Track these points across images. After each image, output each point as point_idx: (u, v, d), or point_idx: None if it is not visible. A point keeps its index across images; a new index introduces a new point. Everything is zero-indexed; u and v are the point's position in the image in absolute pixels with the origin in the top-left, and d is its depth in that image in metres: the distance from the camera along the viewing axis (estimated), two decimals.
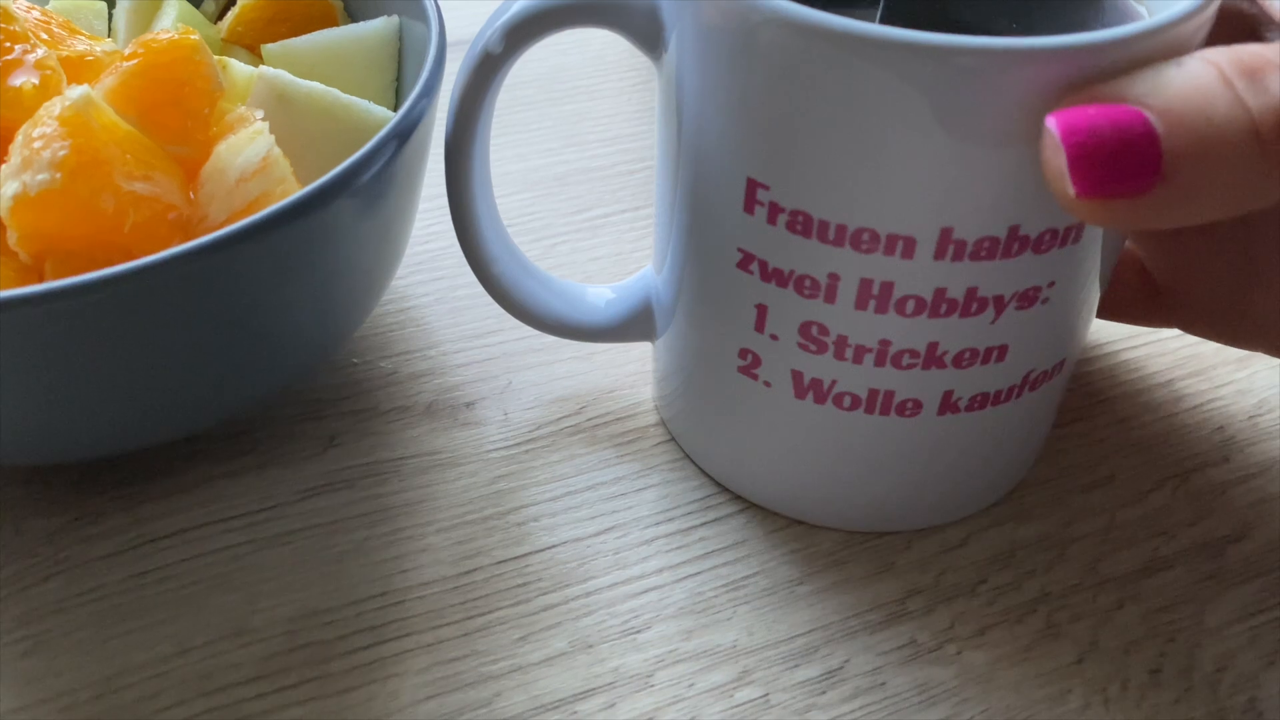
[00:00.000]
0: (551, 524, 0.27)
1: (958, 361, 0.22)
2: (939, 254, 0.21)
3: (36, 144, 0.22)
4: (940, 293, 0.21)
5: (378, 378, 0.31)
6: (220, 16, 0.33)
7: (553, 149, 0.39)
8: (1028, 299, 0.22)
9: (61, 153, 0.22)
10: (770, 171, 0.21)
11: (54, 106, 0.23)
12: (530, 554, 0.26)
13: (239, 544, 0.26)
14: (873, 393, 0.23)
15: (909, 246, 0.21)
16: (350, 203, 0.24)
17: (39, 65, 0.25)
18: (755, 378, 0.24)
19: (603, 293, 0.29)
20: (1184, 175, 0.18)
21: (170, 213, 0.24)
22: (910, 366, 0.23)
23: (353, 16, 0.32)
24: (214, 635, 0.24)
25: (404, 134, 0.25)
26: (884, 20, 0.23)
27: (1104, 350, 0.32)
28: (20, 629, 0.24)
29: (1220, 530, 0.27)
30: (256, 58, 0.31)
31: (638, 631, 0.25)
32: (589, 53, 0.44)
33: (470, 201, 0.26)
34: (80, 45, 0.28)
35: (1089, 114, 0.18)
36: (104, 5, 0.32)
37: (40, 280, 0.24)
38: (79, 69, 0.28)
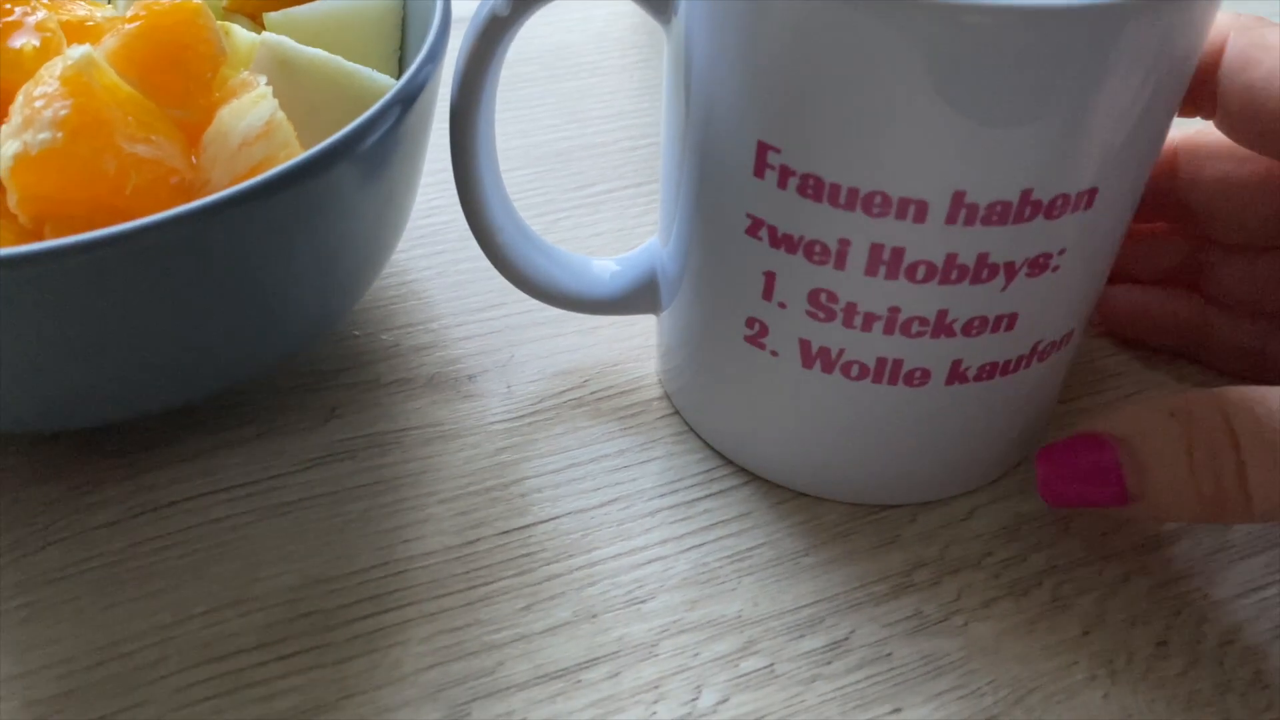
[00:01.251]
0: (555, 495, 0.27)
1: (967, 330, 0.22)
2: (950, 218, 0.20)
3: (38, 103, 0.22)
4: (951, 258, 0.21)
5: (379, 350, 0.30)
6: None
7: (555, 125, 0.39)
8: (1039, 266, 0.22)
9: (63, 112, 0.22)
10: (781, 134, 0.21)
11: (55, 66, 0.23)
12: (534, 525, 0.26)
13: (240, 513, 0.26)
14: (881, 361, 0.23)
15: (920, 210, 0.20)
16: (353, 168, 0.23)
17: (39, 27, 0.25)
18: (762, 347, 0.24)
19: (607, 265, 0.29)
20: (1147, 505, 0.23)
21: (172, 176, 0.24)
22: (919, 335, 0.22)
23: None
24: (214, 604, 0.24)
25: (408, 100, 0.24)
26: None
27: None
28: (19, 596, 0.24)
29: None
30: (259, 26, 0.31)
31: (642, 601, 0.24)
32: (591, 30, 0.44)
33: (475, 168, 0.26)
34: (80, 10, 0.28)
35: (1068, 463, 0.23)
36: None
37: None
38: (79, 33, 0.27)
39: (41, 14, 0.25)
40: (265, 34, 0.27)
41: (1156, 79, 0.20)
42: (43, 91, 0.22)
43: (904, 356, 0.23)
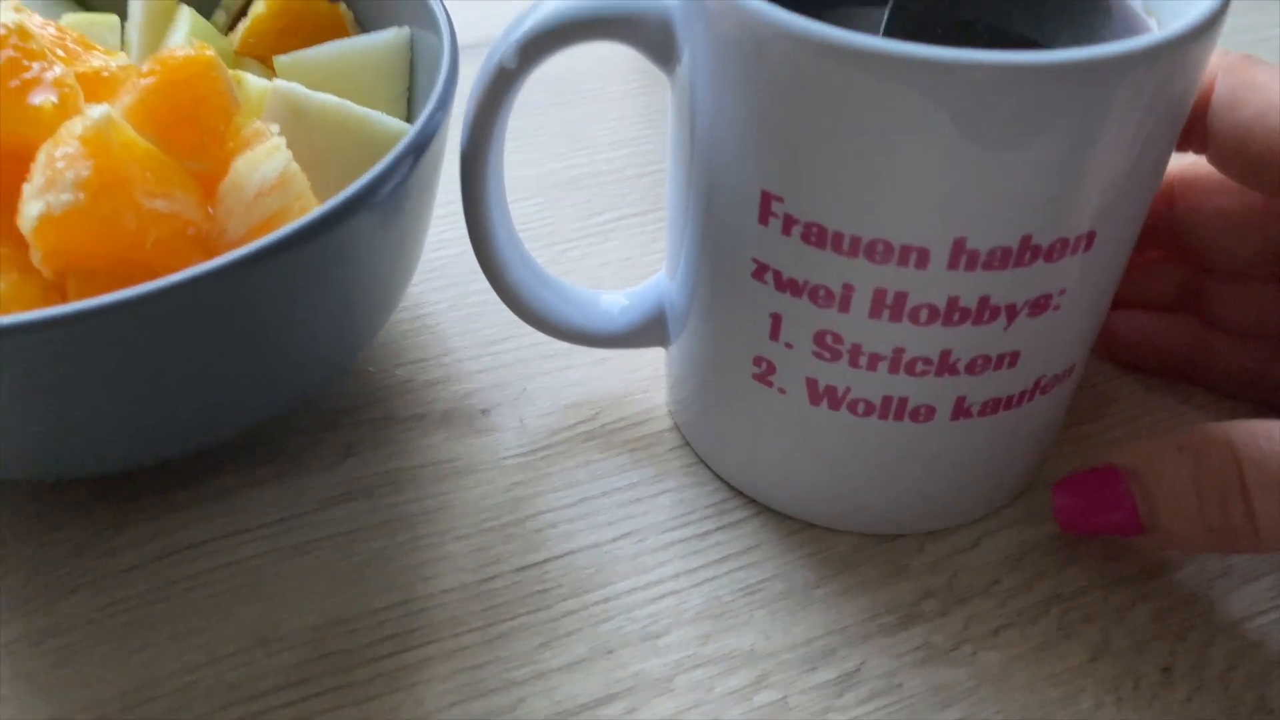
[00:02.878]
0: (569, 530, 0.27)
1: (970, 368, 0.23)
2: (952, 264, 0.21)
3: (59, 164, 0.23)
4: (953, 301, 0.22)
5: (393, 385, 0.31)
6: (231, 28, 0.33)
7: (562, 153, 0.39)
8: (1039, 306, 0.22)
9: (84, 173, 0.22)
10: (784, 184, 0.21)
11: (75, 126, 0.23)
12: (549, 560, 0.27)
13: (262, 553, 0.27)
14: (886, 399, 0.24)
15: (922, 257, 0.21)
16: (368, 217, 0.24)
17: (57, 84, 0.25)
18: (769, 385, 0.25)
19: (616, 299, 0.29)
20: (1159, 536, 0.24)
21: (190, 228, 0.25)
22: (924, 373, 0.23)
23: (363, 26, 0.33)
24: (241, 645, 0.25)
25: (420, 147, 0.25)
26: (893, 18, 0.23)
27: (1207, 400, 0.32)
28: (50, 640, 0.25)
29: None
30: (268, 69, 0.32)
31: (657, 636, 0.25)
32: (596, 56, 0.45)
33: (485, 212, 0.26)
34: (96, 61, 0.28)
35: (1084, 495, 0.25)
36: (116, 19, 0.32)
37: (63, 297, 0.24)
38: (95, 85, 0.28)
39: (59, 69, 0.26)
40: (276, 81, 0.28)
41: (1153, 124, 0.20)
42: (64, 152, 0.23)
43: (909, 394, 0.23)
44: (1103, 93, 0.19)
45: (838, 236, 0.21)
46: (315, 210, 0.23)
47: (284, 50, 0.31)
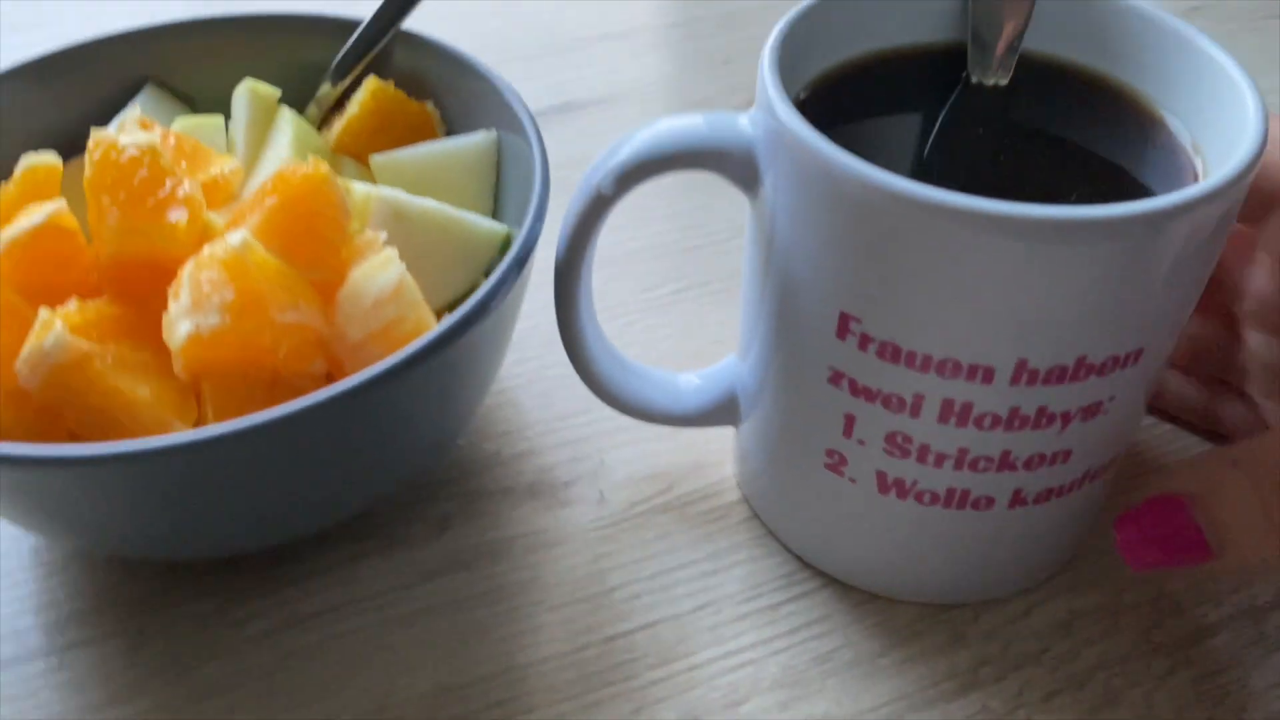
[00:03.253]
0: (651, 601, 0.30)
1: (1027, 465, 0.25)
2: (1014, 380, 0.23)
3: (205, 287, 0.25)
4: (1014, 411, 0.24)
5: (483, 459, 0.33)
6: (323, 120, 0.36)
7: (620, 226, 0.41)
8: (1091, 411, 0.24)
9: (228, 296, 0.25)
10: (863, 306, 0.24)
11: (217, 249, 0.26)
12: (635, 630, 0.29)
13: (374, 624, 0.29)
14: (950, 491, 0.26)
15: (988, 374, 0.23)
16: (479, 328, 0.26)
17: (187, 201, 0.28)
18: (841, 474, 0.27)
19: (691, 380, 0.32)
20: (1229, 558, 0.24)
21: (315, 336, 0.27)
22: (985, 470, 0.25)
23: (449, 123, 0.35)
24: (359, 713, 0.27)
25: (522, 259, 0.27)
26: (951, 113, 0.26)
27: (1155, 420, 0.34)
28: (185, 709, 0.27)
29: (1263, 596, 0.30)
30: (363, 165, 0.34)
31: (738, 704, 0.27)
32: None
33: (577, 317, 0.29)
34: (213, 170, 0.31)
35: (1148, 528, 0.24)
36: (221, 120, 0.34)
37: (198, 398, 0.27)
38: (213, 193, 0.31)
39: (186, 185, 0.28)
40: (380, 188, 0.30)
41: (1193, 256, 0.23)
42: (208, 276, 0.25)
43: (971, 487, 0.26)
44: (1150, 239, 0.21)
45: (911, 354, 0.24)
46: (433, 331, 0.25)
47: (377, 148, 0.34)
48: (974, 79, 0.27)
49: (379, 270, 0.27)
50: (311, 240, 0.28)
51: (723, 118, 0.26)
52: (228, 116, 0.35)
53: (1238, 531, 0.23)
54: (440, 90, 0.35)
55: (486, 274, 0.32)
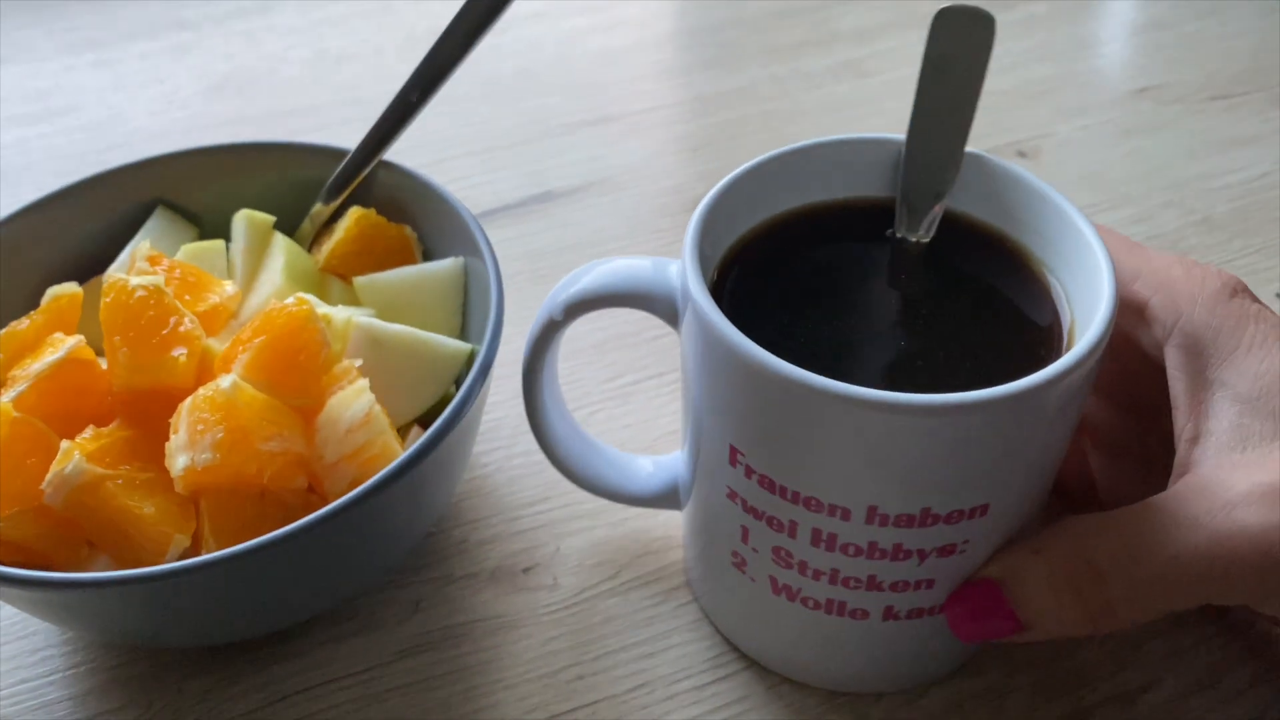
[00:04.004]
0: (594, 682, 0.34)
1: (894, 588, 0.29)
2: (868, 521, 0.27)
3: (199, 426, 0.30)
4: (873, 544, 0.28)
5: (451, 546, 0.38)
6: (315, 237, 0.40)
7: (591, 318, 0.46)
8: (947, 551, 0.28)
9: (219, 436, 0.29)
10: (746, 444, 0.28)
11: (211, 392, 0.30)
12: (577, 709, 0.33)
13: (349, 700, 0.33)
14: (829, 600, 0.30)
15: (845, 514, 0.27)
16: (445, 445, 0.30)
17: (186, 338, 0.32)
18: (744, 572, 0.31)
19: (646, 465, 0.36)
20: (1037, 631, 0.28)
21: (295, 457, 0.31)
22: (857, 587, 0.29)
23: (425, 244, 0.39)
24: None
25: (484, 371, 0.32)
26: (858, 273, 0.30)
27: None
28: None
29: (1135, 681, 0.33)
30: (348, 284, 0.38)
31: None
32: (622, 212, 0.51)
33: (541, 408, 0.33)
34: (213, 298, 0.35)
35: (969, 606, 0.29)
36: (223, 244, 0.39)
37: (196, 510, 0.31)
38: (211, 320, 0.35)
39: (188, 322, 0.33)
40: (358, 314, 0.35)
41: (1030, 432, 0.26)
42: (201, 416, 0.30)
43: (847, 600, 0.29)
44: (977, 423, 0.25)
45: (783, 489, 0.27)
46: (401, 457, 0.29)
47: (360, 269, 0.38)
48: (899, 235, 0.31)
49: (352, 399, 0.32)
50: (295, 372, 0.32)
51: (659, 265, 0.30)
52: (228, 234, 0.40)
53: (1040, 612, 0.27)
54: (417, 214, 0.39)
55: (456, 384, 0.36)
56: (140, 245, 0.36)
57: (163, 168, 0.40)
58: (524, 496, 0.39)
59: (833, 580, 0.29)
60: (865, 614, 0.30)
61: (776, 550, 0.29)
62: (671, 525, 0.37)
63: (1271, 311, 0.29)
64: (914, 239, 0.31)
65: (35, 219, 0.38)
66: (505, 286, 0.35)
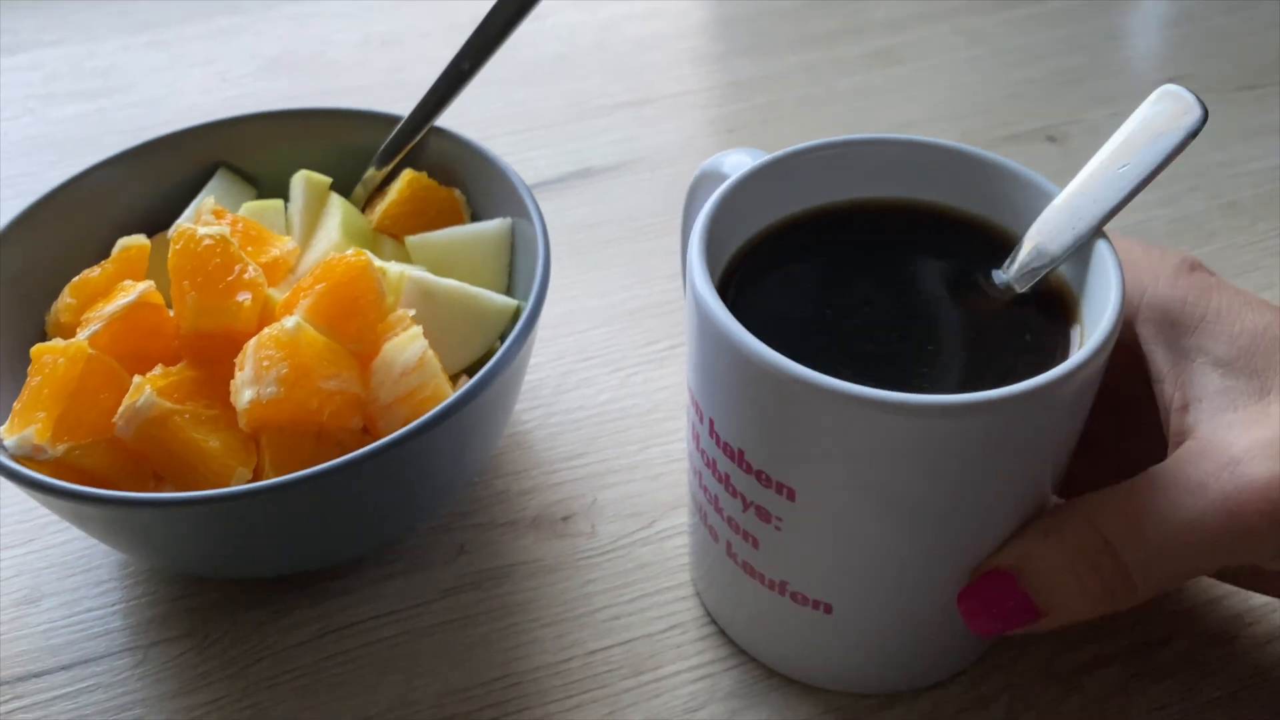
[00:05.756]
0: (629, 622, 0.35)
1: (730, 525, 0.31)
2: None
3: (265, 362, 0.31)
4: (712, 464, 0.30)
5: (493, 495, 0.39)
6: (368, 200, 0.42)
7: (627, 285, 0.48)
8: (764, 515, 0.29)
9: (283, 371, 0.31)
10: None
11: (275, 331, 0.32)
12: (613, 646, 0.35)
13: (398, 634, 0.35)
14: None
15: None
16: (493, 389, 0.32)
17: (250, 284, 0.34)
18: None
19: None
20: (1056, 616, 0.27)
21: (353, 398, 0.33)
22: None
23: (474, 207, 0.41)
24: (385, 707, 0.33)
25: (526, 329, 0.33)
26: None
27: None
28: (244, 699, 0.34)
29: (1154, 633, 0.34)
30: (400, 244, 0.40)
31: (695, 710, 0.33)
32: (657, 190, 0.53)
33: None
34: (274, 251, 0.37)
35: (984, 599, 0.28)
36: (280, 204, 0.41)
37: (257, 446, 0.33)
38: (273, 271, 0.37)
39: (251, 269, 0.34)
40: (411, 269, 0.36)
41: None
42: (267, 353, 0.31)
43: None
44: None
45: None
46: (451, 397, 0.31)
47: (412, 229, 0.40)
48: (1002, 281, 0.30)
49: (406, 345, 0.33)
50: (353, 318, 0.34)
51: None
52: (286, 195, 0.41)
53: (1056, 596, 0.27)
54: (466, 178, 0.41)
55: (501, 339, 0.38)
56: (205, 200, 0.38)
57: (224, 131, 0.42)
58: (563, 451, 0.41)
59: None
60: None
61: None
62: None
63: (1227, 281, 0.30)
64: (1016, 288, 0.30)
65: (105, 177, 0.40)
66: None
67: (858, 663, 0.33)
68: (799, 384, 0.25)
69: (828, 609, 0.30)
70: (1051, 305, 0.30)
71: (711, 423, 0.29)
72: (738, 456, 0.28)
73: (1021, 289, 0.29)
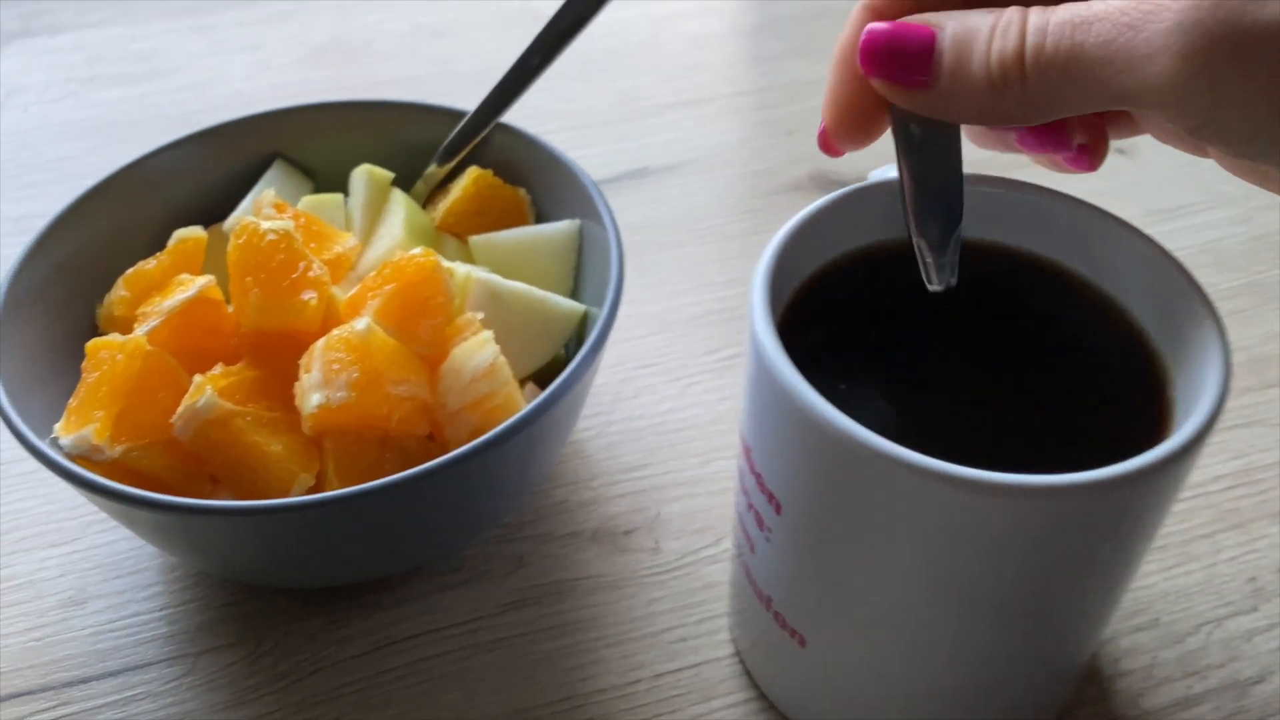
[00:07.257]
0: (697, 644, 0.34)
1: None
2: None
3: (334, 365, 0.30)
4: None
5: (553, 505, 0.38)
6: (428, 197, 0.41)
7: (680, 291, 0.46)
8: (757, 519, 0.28)
9: (354, 375, 0.30)
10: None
11: (346, 333, 0.31)
12: (682, 669, 0.33)
13: (457, 649, 0.34)
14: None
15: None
16: (563, 402, 0.31)
17: (315, 282, 0.33)
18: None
19: None
20: (945, 84, 0.24)
21: (421, 404, 0.32)
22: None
23: (539, 207, 0.40)
24: None
25: (601, 339, 0.32)
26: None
27: None
28: (299, 714, 0.32)
29: (1246, 672, 0.33)
30: (463, 243, 0.39)
31: None
32: (714, 191, 0.51)
33: None
34: (337, 248, 0.36)
35: (892, 34, 0.24)
36: (340, 198, 0.39)
37: (320, 450, 0.32)
38: (335, 268, 0.36)
39: (316, 267, 0.33)
40: (478, 270, 0.35)
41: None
42: (337, 356, 0.30)
43: None
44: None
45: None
46: (528, 406, 0.30)
47: (475, 228, 0.38)
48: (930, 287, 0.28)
49: (476, 350, 0.32)
50: (422, 320, 0.32)
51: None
52: (343, 189, 0.40)
53: (956, 61, 0.24)
54: (532, 178, 0.40)
55: (565, 346, 0.36)
56: (265, 193, 0.37)
57: (281, 121, 0.41)
58: (623, 462, 0.39)
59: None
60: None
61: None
62: None
63: None
64: (941, 287, 0.28)
65: (157, 165, 0.39)
66: None
67: None
68: (865, 450, 0.23)
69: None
70: (1136, 364, 0.27)
71: (751, 458, 0.27)
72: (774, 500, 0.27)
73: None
